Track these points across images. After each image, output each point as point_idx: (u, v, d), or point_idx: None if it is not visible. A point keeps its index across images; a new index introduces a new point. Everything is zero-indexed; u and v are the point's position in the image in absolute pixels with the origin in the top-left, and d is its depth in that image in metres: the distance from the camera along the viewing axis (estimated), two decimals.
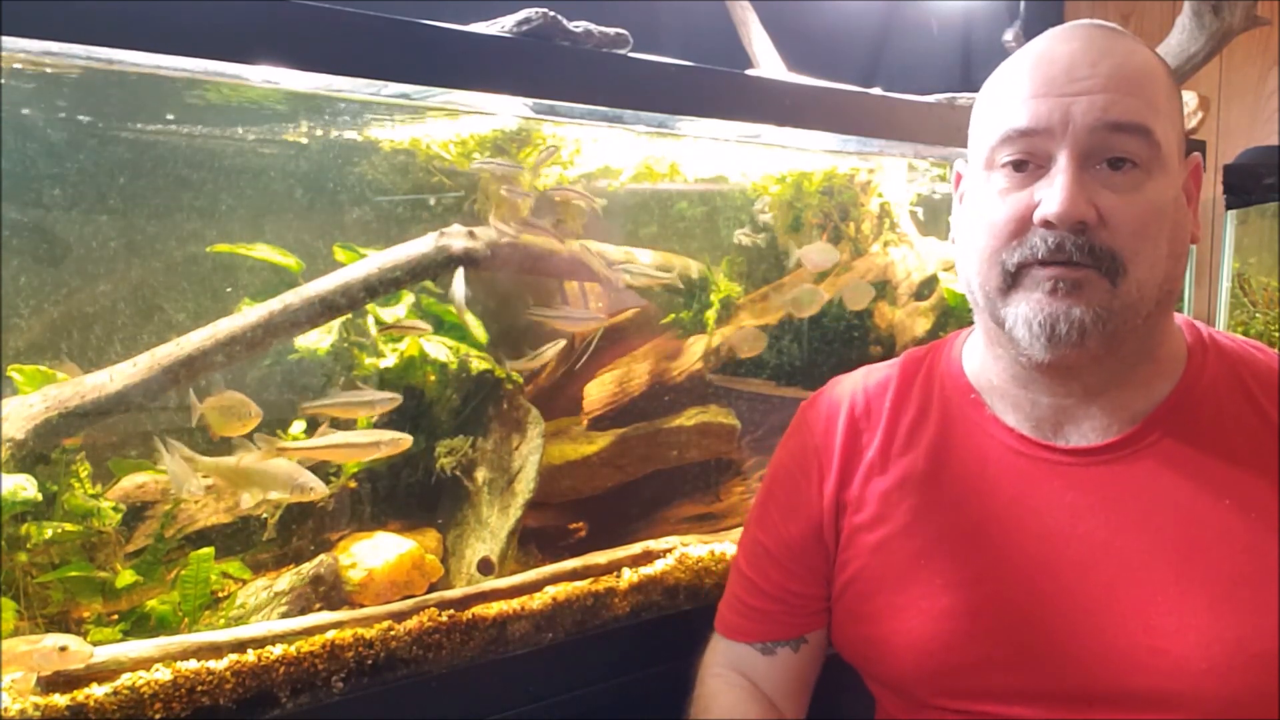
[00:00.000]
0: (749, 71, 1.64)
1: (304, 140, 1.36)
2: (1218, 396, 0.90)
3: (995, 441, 0.94)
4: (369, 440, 1.24)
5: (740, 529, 1.18)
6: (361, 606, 1.21)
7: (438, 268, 1.36)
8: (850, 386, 1.04)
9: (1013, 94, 0.87)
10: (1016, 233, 0.85)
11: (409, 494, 1.40)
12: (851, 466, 0.99)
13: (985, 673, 0.89)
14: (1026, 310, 0.85)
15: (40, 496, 1.07)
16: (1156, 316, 0.87)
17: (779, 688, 1.03)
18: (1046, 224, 0.83)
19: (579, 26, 1.17)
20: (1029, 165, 0.86)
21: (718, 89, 1.30)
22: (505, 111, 1.29)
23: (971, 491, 0.93)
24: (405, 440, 1.25)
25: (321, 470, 1.30)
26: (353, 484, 1.35)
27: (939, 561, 0.92)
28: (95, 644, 1.02)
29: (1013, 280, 0.86)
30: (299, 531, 1.31)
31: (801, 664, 1.03)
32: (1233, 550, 0.84)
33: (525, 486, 1.38)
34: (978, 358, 0.98)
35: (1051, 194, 0.83)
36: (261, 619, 1.17)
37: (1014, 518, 0.91)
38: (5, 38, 0.86)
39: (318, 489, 1.17)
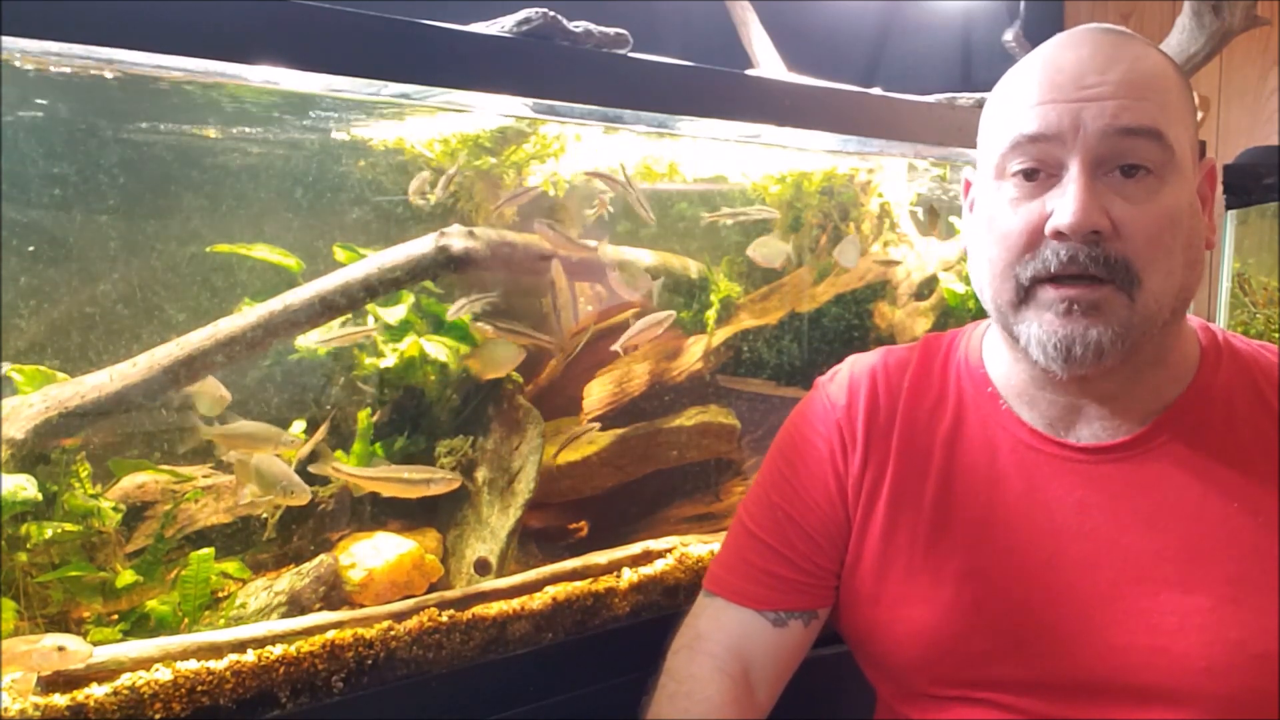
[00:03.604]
0: (749, 71, 1.64)
1: (287, 139, 1.36)
2: (1230, 399, 0.90)
3: (1007, 434, 0.94)
4: (421, 477, 1.26)
5: None
6: (361, 606, 1.21)
7: (438, 268, 1.36)
8: (871, 364, 1.03)
9: (1021, 100, 0.86)
10: (1029, 245, 0.84)
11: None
12: (873, 445, 0.98)
13: (986, 664, 0.90)
14: (1039, 331, 0.84)
15: (40, 496, 1.07)
16: (1172, 322, 0.87)
17: (777, 664, 1.00)
18: (1059, 235, 0.82)
19: (579, 26, 1.17)
20: (1040, 174, 0.85)
21: (718, 89, 1.30)
22: (487, 109, 1.28)
23: (982, 483, 0.93)
24: (455, 480, 1.28)
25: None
26: None
27: (946, 551, 0.93)
28: (95, 644, 1.02)
29: (1025, 294, 0.85)
30: (299, 531, 1.31)
31: (805, 640, 1.02)
32: (1238, 551, 0.84)
33: (525, 486, 1.38)
34: (995, 355, 0.98)
35: (1064, 204, 0.82)
36: (261, 619, 1.17)
37: (1022, 511, 0.91)
38: (5, 38, 0.87)
39: (300, 494, 1.17)
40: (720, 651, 0.99)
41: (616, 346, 1.52)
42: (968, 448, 0.95)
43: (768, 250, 1.64)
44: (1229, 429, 0.89)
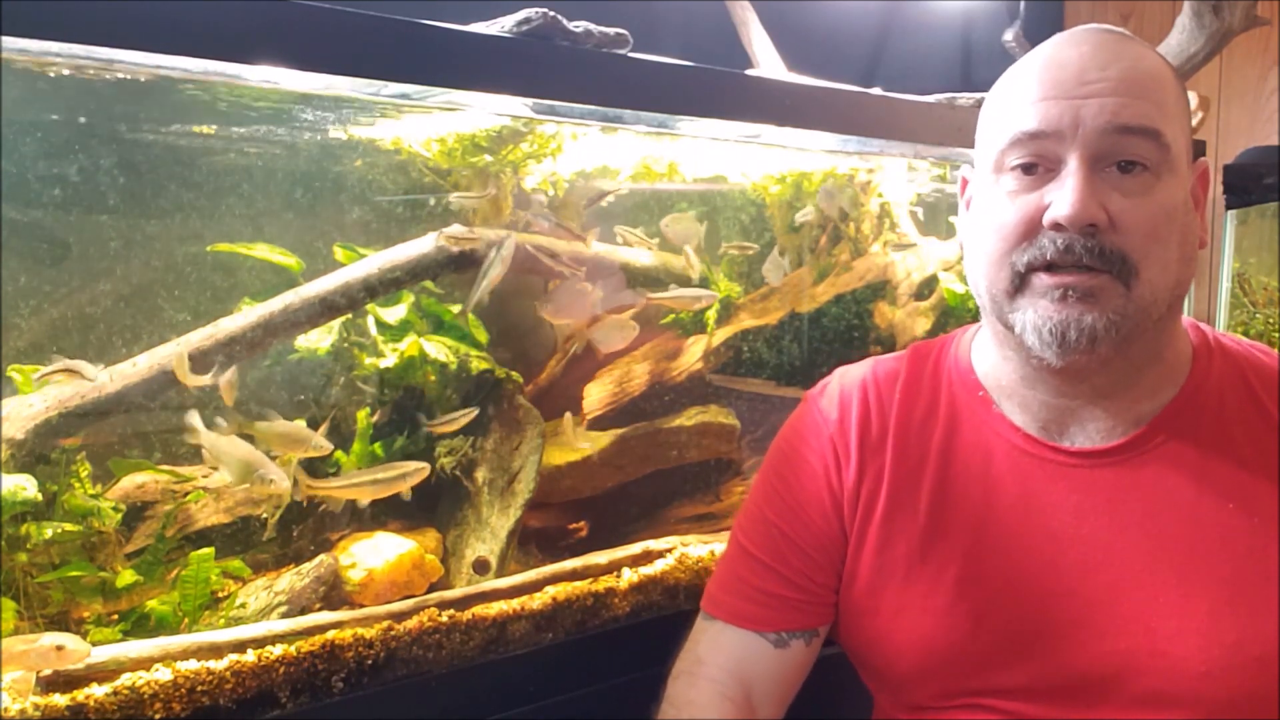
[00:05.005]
0: (749, 71, 1.64)
1: (285, 139, 1.36)
2: (1222, 399, 0.90)
3: (1001, 440, 0.94)
4: (395, 474, 1.25)
5: None
6: (361, 606, 1.21)
7: (438, 268, 1.36)
8: (861, 377, 1.03)
9: (1022, 97, 0.87)
10: (1026, 235, 0.85)
11: (409, 494, 1.40)
12: (866, 458, 0.98)
13: (985, 671, 0.90)
14: (1034, 318, 0.85)
15: (40, 496, 1.07)
16: (1165, 320, 0.87)
17: (779, 684, 0.99)
18: (1056, 226, 0.82)
19: (579, 26, 1.17)
20: (1038, 168, 0.85)
21: (718, 89, 1.30)
22: (488, 109, 1.28)
23: (976, 490, 0.93)
24: (424, 469, 1.27)
25: (321, 468, 1.31)
26: None
27: (943, 559, 0.92)
28: (95, 644, 1.02)
29: (1020, 282, 0.86)
30: (299, 531, 1.31)
31: (807, 659, 1.01)
32: (1235, 553, 0.84)
33: (525, 486, 1.38)
34: (986, 357, 0.97)
35: (1062, 196, 0.82)
36: (261, 619, 1.17)
37: (1018, 517, 0.91)
38: (5, 38, 0.87)
39: (279, 482, 1.18)
40: (721, 676, 0.98)
41: (648, 296, 1.55)
42: (962, 455, 0.95)
43: (681, 227, 1.61)
44: (1222, 430, 0.89)
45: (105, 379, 1.16)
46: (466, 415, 1.38)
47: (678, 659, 1.02)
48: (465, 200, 1.43)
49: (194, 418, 1.19)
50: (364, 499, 1.28)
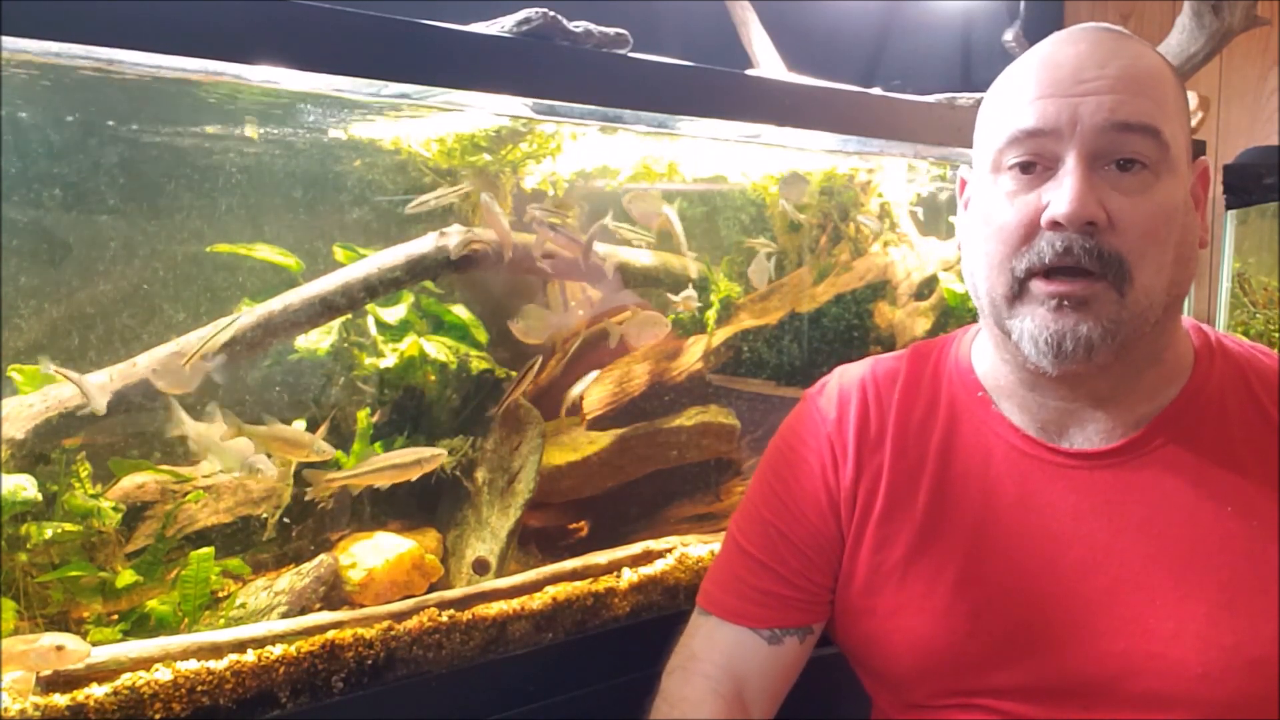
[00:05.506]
0: (749, 71, 1.64)
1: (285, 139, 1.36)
2: (1223, 401, 0.90)
3: (1001, 441, 0.94)
4: (412, 459, 1.26)
5: None
6: (361, 606, 1.21)
7: (438, 268, 1.36)
8: (860, 376, 1.03)
9: (1019, 96, 0.86)
10: (1025, 237, 0.84)
11: (409, 494, 1.40)
12: (864, 457, 0.98)
13: (983, 671, 0.90)
14: (1032, 326, 0.84)
15: (40, 496, 1.07)
16: (1164, 321, 0.86)
17: (773, 681, 1.00)
18: (1055, 225, 0.82)
19: (579, 26, 1.17)
20: (1036, 167, 0.85)
21: (718, 89, 1.30)
22: (488, 109, 1.28)
23: (975, 490, 0.93)
24: (441, 455, 1.27)
25: (321, 468, 1.30)
26: None
27: (941, 559, 0.92)
28: (95, 644, 1.02)
29: (1019, 289, 0.85)
30: (299, 531, 1.31)
31: (801, 656, 1.01)
32: (1233, 556, 0.84)
33: (525, 486, 1.39)
34: (986, 358, 0.97)
35: (1060, 195, 0.82)
36: (261, 619, 1.17)
37: (1017, 518, 0.91)
38: (5, 38, 0.87)
39: (265, 470, 1.18)
40: (714, 672, 0.98)
41: (676, 299, 1.62)
42: (961, 455, 0.95)
43: (644, 204, 1.60)
44: (1223, 432, 0.88)
45: (105, 379, 1.16)
46: (523, 382, 1.41)
47: (672, 654, 1.02)
48: (444, 198, 1.42)
49: (177, 410, 1.18)
50: (383, 484, 1.28)
